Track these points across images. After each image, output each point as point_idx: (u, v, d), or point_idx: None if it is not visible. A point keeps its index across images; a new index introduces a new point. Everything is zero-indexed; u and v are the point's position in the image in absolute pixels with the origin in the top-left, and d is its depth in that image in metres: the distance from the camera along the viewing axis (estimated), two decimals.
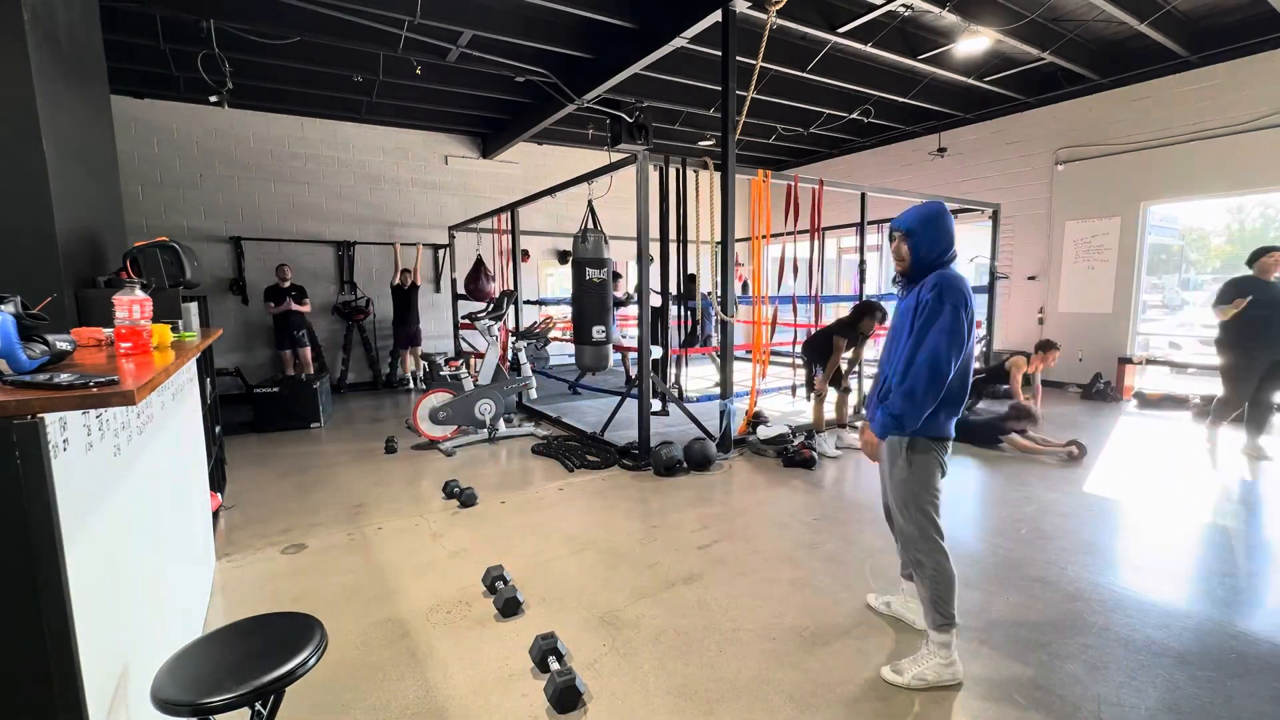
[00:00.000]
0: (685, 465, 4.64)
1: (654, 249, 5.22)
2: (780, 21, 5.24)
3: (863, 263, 6.29)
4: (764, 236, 5.17)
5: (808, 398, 5.64)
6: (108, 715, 1.33)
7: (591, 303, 5.09)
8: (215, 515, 3.53)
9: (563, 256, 10.15)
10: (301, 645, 1.38)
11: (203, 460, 3.18)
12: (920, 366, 2.04)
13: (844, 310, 9.95)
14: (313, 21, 5.33)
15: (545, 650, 2.25)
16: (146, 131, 7.27)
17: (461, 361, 6.70)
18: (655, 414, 5.90)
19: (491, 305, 6.14)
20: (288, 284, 7.50)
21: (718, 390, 5.21)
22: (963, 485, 4.41)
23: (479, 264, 8.01)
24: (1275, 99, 6.17)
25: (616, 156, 5.80)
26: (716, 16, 4.80)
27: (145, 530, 1.80)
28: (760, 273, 5.35)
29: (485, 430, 5.57)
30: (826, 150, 10.75)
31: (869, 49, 6.13)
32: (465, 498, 3.98)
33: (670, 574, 3.00)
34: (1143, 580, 2.90)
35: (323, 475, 4.68)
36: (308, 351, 7.74)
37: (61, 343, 1.47)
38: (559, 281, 10.37)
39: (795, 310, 5.90)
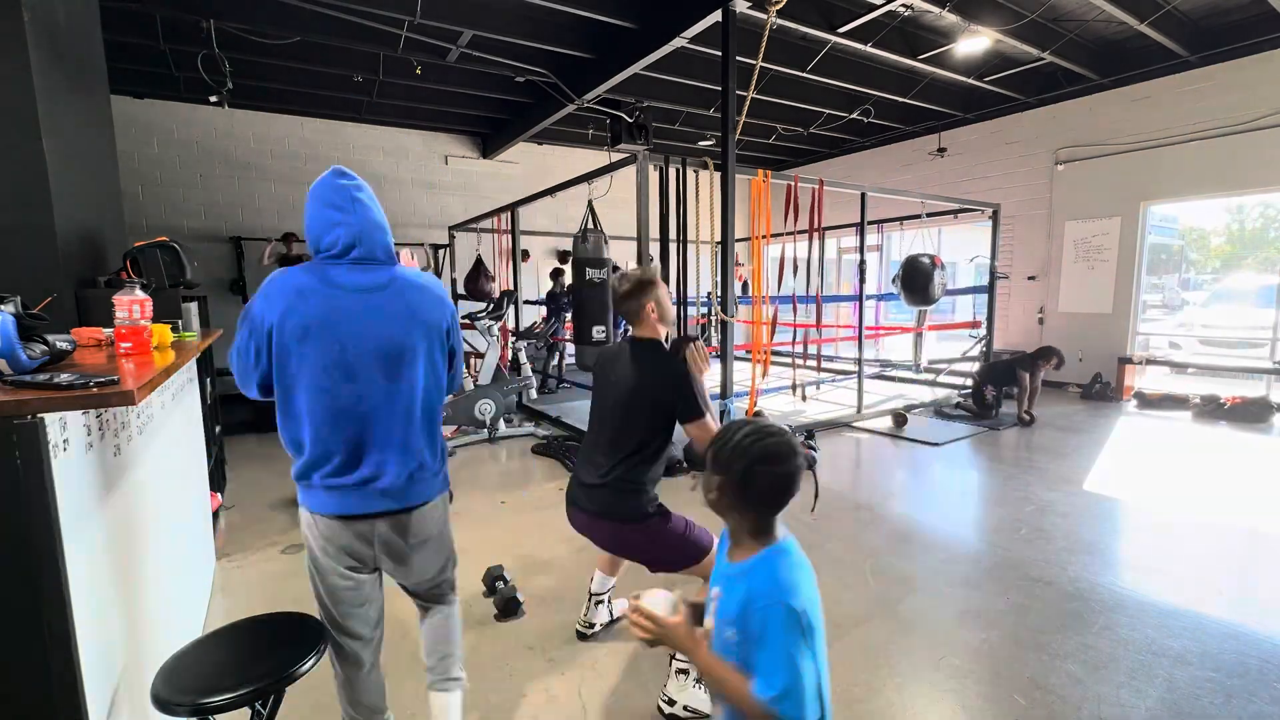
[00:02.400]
0: (685, 465, 4.63)
1: (654, 249, 5.21)
2: (780, 21, 5.23)
3: (863, 263, 6.28)
4: (764, 236, 5.17)
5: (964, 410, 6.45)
6: (108, 715, 1.33)
7: (592, 303, 5.08)
8: (215, 515, 3.53)
9: (563, 256, 10.14)
10: (301, 645, 1.38)
11: (203, 460, 3.18)
12: None
13: (845, 310, 10.02)
14: (313, 21, 5.33)
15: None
16: (146, 131, 7.26)
17: None
18: None
19: (491, 305, 6.13)
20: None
21: (717, 390, 5.21)
22: (962, 485, 4.41)
23: (479, 264, 8.00)
24: (1275, 99, 6.17)
25: (616, 156, 5.79)
26: (716, 16, 4.79)
27: (145, 530, 1.80)
28: (760, 273, 5.35)
29: (485, 430, 5.57)
30: (826, 150, 10.75)
31: (869, 49, 6.12)
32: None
33: (670, 573, 2.99)
34: (1143, 580, 2.89)
35: None
36: None
37: (61, 343, 1.47)
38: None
39: (795, 310, 5.90)
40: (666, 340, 2.13)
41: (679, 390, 1.97)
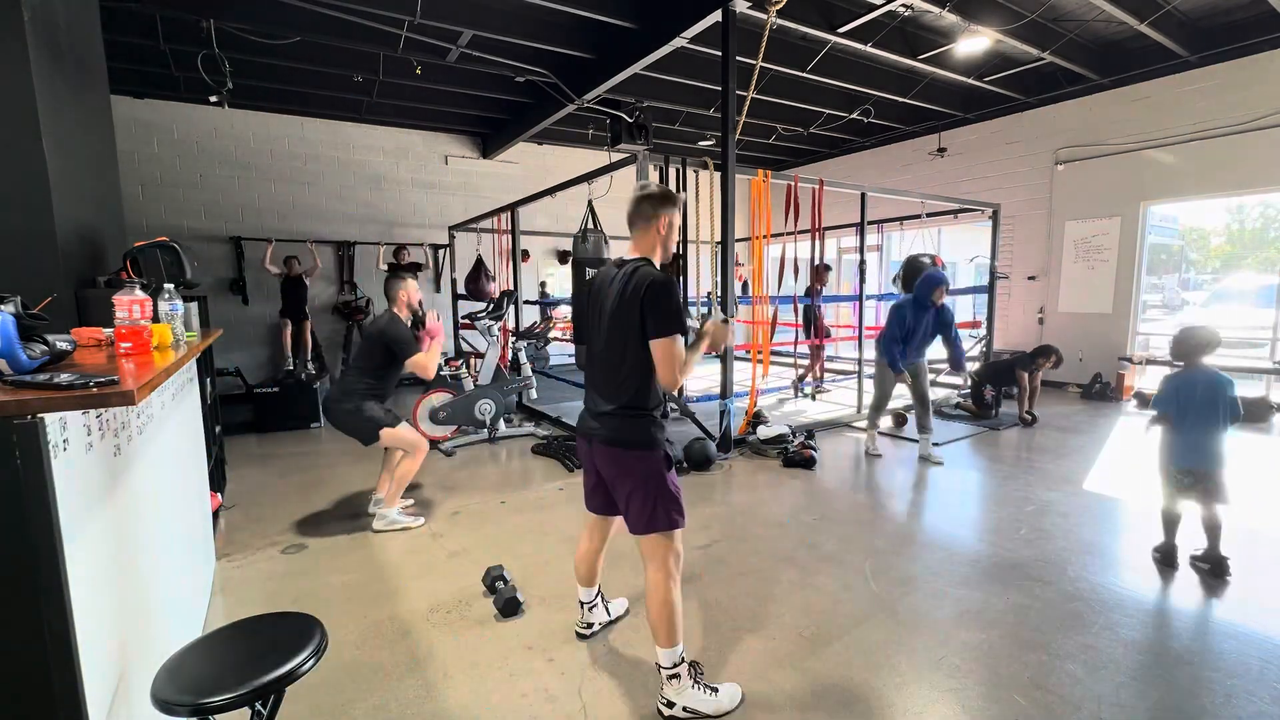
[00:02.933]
0: (685, 465, 4.64)
1: None
2: (780, 21, 5.24)
3: (863, 263, 6.29)
4: (764, 236, 5.17)
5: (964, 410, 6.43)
6: (108, 715, 1.33)
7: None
8: (215, 515, 3.53)
9: (563, 256, 10.14)
10: (301, 645, 1.38)
11: (203, 460, 3.18)
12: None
13: (845, 310, 10.02)
14: (313, 21, 5.33)
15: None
16: (146, 131, 7.27)
17: (461, 361, 6.69)
18: None
19: (491, 305, 6.13)
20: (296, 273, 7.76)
21: (717, 390, 5.21)
22: (962, 485, 4.41)
23: (479, 264, 8.00)
24: (1275, 99, 6.17)
25: (616, 156, 5.79)
26: (716, 16, 4.79)
27: (145, 530, 1.80)
28: (760, 273, 5.35)
29: (485, 430, 5.57)
30: (826, 150, 10.75)
31: (869, 49, 6.13)
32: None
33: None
34: (1143, 580, 2.90)
35: (323, 475, 4.68)
36: (309, 325, 7.87)
37: (61, 343, 1.47)
38: (559, 281, 10.37)
39: (796, 310, 5.90)
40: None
41: (654, 300, 1.75)
